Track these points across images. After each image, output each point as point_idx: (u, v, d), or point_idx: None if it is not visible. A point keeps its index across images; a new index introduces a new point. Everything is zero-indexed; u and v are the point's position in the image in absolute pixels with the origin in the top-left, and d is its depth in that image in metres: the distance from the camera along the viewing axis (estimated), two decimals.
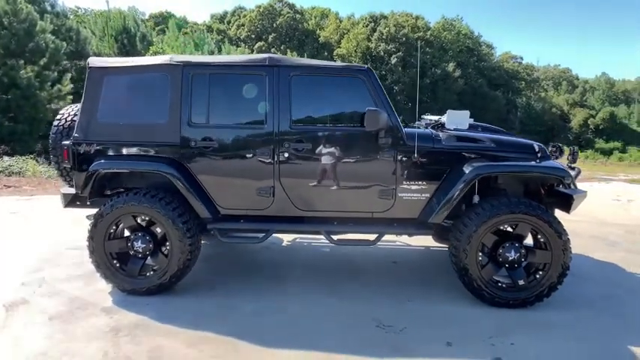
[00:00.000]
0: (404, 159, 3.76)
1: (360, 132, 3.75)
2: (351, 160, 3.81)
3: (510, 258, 3.63)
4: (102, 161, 3.82)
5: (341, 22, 42.65)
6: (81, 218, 4.33)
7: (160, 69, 3.89)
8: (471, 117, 4.32)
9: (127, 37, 25.29)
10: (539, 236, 3.62)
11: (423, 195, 3.81)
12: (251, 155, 3.81)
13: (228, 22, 47.07)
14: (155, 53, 18.61)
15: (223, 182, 3.88)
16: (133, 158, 3.90)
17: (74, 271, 4.51)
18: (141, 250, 3.87)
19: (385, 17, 40.24)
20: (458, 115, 4.04)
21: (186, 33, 27.57)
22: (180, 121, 3.82)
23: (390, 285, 4.24)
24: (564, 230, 3.56)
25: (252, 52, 37.81)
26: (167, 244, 3.82)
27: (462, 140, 3.87)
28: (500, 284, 3.70)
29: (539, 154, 3.83)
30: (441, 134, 3.88)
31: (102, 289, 4.02)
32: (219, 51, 25.46)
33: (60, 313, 3.57)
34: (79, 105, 4.40)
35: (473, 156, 3.78)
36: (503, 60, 45.32)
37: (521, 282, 3.64)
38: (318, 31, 43.17)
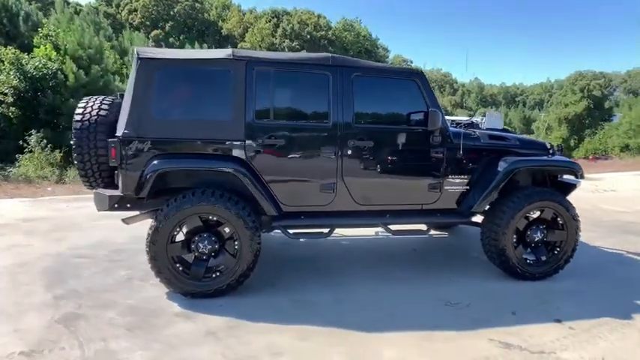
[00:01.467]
0: (450, 155, 4.21)
1: (415, 131, 4.10)
2: (407, 157, 4.14)
3: (537, 238, 4.32)
4: (165, 160, 3.63)
5: (244, 15, 41.99)
6: (71, 225, 4.01)
7: (221, 64, 3.79)
8: None
9: (8, 16, 21.99)
10: (558, 219, 4.35)
11: (464, 187, 4.31)
12: (315, 153, 3.93)
13: (117, 6, 43.28)
14: (46, 36, 16.50)
15: (287, 179, 3.93)
16: (198, 157, 3.76)
17: (104, 279, 4.17)
18: (206, 252, 3.75)
19: (288, 14, 40.65)
20: (494, 116, 4.62)
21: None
22: (244, 118, 3.78)
23: (430, 269, 4.68)
24: (577, 214, 4.34)
25: (148, 39, 35.34)
26: (235, 243, 3.77)
27: (494, 139, 4.46)
28: (528, 261, 4.36)
29: (550, 151, 4.58)
30: (478, 133, 4.42)
31: (154, 295, 3.83)
32: (117, 38, 23.44)
33: (134, 323, 3.34)
34: (102, 98, 4.07)
35: (503, 152, 4.38)
36: (396, 62, 48.88)
37: (543, 258, 4.35)
38: (220, 23, 41.95)
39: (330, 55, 4.03)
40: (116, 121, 3.89)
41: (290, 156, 3.91)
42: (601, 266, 4.89)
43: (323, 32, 39.93)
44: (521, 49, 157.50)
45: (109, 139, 3.68)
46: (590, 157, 36.54)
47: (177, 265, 3.74)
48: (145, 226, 3.84)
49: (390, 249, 5.39)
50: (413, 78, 4.16)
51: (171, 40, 38.79)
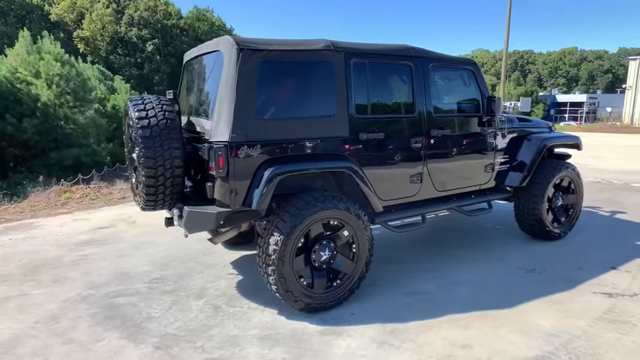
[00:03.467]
0: (499, 138, 4.61)
1: (478, 117, 4.38)
2: (472, 142, 4.40)
3: (559, 203, 5.04)
4: (280, 164, 3.21)
5: None
6: (45, 263, 3.38)
7: (322, 55, 3.47)
8: None
9: None
10: (571, 185, 5.13)
11: (506, 165, 4.77)
12: (406, 144, 3.91)
13: None
14: None
15: (384, 173, 3.83)
16: (310, 158, 3.40)
17: (183, 314, 3.49)
18: (327, 260, 3.45)
19: None
20: (526, 100, 5.15)
21: None
22: (347, 112, 3.55)
23: (480, 243, 5.02)
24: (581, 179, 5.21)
25: None
26: (353, 246, 3.54)
27: (522, 121, 5.01)
28: (554, 224, 5.06)
29: (551, 129, 5.35)
30: (509, 116, 4.90)
31: (268, 319, 3.41)
32: None
33: (291, 352, 2.93)
34: (159, 98, 3.41)
35: (527, 133, 4.96)
36: None
37: (563, 219, 5.11)
38: (46, 7, 35.61)
39: (409, 45, 4.00)
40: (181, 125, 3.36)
41: (387, 149, 3.81)
42: (589, 222, 5.92)
43: (174, 21, 37.34)
44: None
45: (214, 147, 3.08)
46: None
47: (302, 279, 3.36)
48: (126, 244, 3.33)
49: (421, 232, 5.59)
50: (471, 67, 4.41)
51: None
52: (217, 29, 40.46)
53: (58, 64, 16.20)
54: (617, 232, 5.42)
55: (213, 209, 3.20)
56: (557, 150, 5.43)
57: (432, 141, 4.05)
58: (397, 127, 3.89)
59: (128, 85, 24.92)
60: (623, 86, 32.18)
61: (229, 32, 41.60)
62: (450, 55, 4.32)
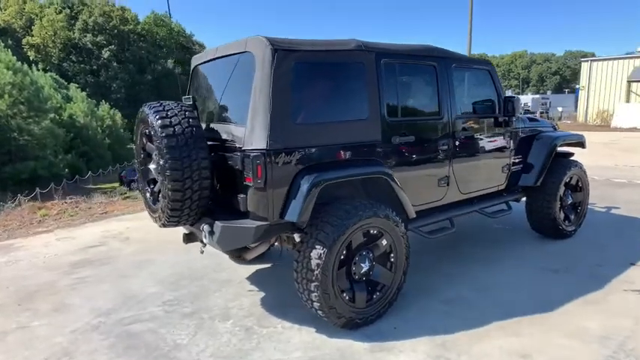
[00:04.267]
0: (514, 138, 4.59)
1: (496, 117, 4.32)
2: (492, 143, 4.34)
3: (570, 201, 5.08)
4: (319, 171, 3.00)
5: (25, 3, 34.37)
6: (35, 290, 3.10)
7: (354, 56, 3.29)
8: None
9: None
10: (579, 183, 5.18)
11: (519, 166, 4.76)
12: (435, 147, 3.80)
13: None
14: None
15: (414, 177, 3.70)
16: (346, 164, 3.21)
17: (215, 339, 3.19)
18: (366, 272, 3.26)
19: (85, 4, 35.14)
20: (537, 99, 5.13)
21: None
22: (380, 115, 3.39)
23: (496, 244, 4.96)
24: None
25: None
26: (391, 255, 3.37)
27: (532, 121, 5.01)
28: (566, 222, 5.09)
29: (555, 128, 5.40)
30: (521, 116, 4.89)
31: (307, 339, 3.19)
32: None
33: None
34: (179, 104, 3.14)
35: (537, 132, 4.97)
36: None
37: (572, 217, 5.15)
38: None
39: (432, 45, 3.89)
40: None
41: (417, 153, 3.68)
42: (590, 219, 6.00)
43: (131, 26, 36.02)
44: None
45: (252, 155, 2.82)
46: None
47: (344, 293, 3.14)
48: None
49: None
50: (488, 67, 4.36)
51: None
52: (177, 34, 39.43)
53: (10, 72, 15.16)
54: (620, 228, 5.52)
55: (251, 223, 2.94)
56: (560, 149, 5.50)
57: (457, 143, 3.95)
58: (426, 130, 3.76)
59: (84, 93, 23.83)
60: (573, 86, 33.93)
61: (189, 38, 40.66)
62: (467, 56, 4.25)
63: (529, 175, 4.76)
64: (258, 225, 2.91)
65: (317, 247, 2.97)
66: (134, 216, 6.96)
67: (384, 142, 3.42)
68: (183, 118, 2.98)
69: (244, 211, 3.00)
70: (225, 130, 3.25)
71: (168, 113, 2.99)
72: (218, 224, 2.94)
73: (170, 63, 37.10)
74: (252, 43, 3.05)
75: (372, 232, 3.23)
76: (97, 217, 6.93)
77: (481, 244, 5.02)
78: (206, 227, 3.01)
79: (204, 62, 3.81)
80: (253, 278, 4.27)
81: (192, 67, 4.03)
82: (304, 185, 2.91)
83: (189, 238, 3.61)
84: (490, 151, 4.36)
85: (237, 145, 3.01)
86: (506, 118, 4.42)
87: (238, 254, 3.58)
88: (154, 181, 3.32)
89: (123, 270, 4.59)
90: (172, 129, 2.91)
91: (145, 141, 3.31)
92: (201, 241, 3.31)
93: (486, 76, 4.35)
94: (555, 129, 5.42)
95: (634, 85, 24.90)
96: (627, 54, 26.56)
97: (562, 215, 4.99)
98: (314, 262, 2.96)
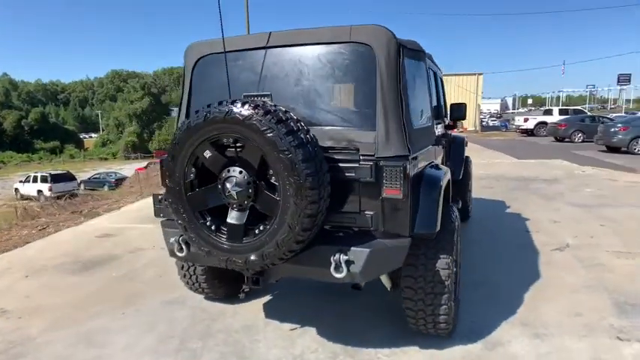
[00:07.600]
0: None
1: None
2: None
3: None
4: (440, 176, 2.92)
5: None
6: None
7: (421, 57, 3.30)
8: None
9: None
10: None
11: None
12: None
13: None
14: None
15: None
16: (434, 168, 3.11)
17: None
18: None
19: None
20: None
21: None
22: (433, 119, 3.48)
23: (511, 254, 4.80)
24: None
25: None
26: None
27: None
28: None
29: None
30: None
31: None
32: None
33: None
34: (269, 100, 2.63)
35: None
36: None
37: None
38: None
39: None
40: None
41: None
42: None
43: None
44: (59, 46, 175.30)
45: (392, 164, 2.48)
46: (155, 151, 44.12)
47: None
48: None
49: None
50: None
51: None
52: None
53: None
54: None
55: (398, 242, 2.53)
56: None
57: None
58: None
59: None
60: None
61: None
62: None
63: None
64: (408, 242, 2.54)
65: (441, 256, 2.72)
66: None
67: (436, 145, 3.47)
68: (297, 122, 2.41)
69: (374, 229, 2.53)
70: (338, 136, 2.63)
71: (286, 115, 2.37)
72: (364, 250, 2.46)
73: None
74: (372, 33, 2.59)
75: None
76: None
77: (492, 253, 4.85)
78: (342, 257, 2.43)
79: (229, 52, 2.76)
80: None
81: (193, 59, 3.07)
82: (433, 192, 2.70)
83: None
84: None
85: (364, 153, 2.55)
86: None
87: (392, 282, 3.00)
88: (219, 210, 2.57)
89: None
90: (301, 136, 2.32)
91: (208, 154, 2.49)
92: (255, 283, 2.77)
93: None
94: None
95: None
96: None
97: None
98: (444, 273, 2.70)
